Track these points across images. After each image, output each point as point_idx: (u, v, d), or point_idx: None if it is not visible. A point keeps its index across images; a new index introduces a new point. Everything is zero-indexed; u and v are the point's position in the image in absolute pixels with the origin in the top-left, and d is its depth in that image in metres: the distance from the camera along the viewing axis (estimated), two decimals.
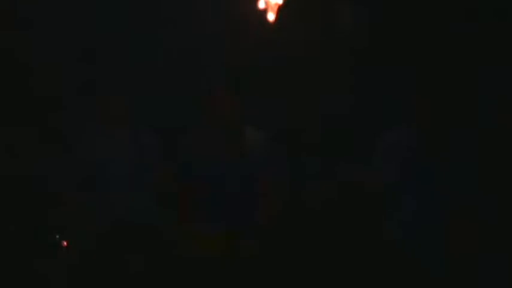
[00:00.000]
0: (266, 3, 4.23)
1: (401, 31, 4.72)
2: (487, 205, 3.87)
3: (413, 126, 3.96)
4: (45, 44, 4.76)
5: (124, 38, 4.81)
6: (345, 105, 5.03)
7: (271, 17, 4.22)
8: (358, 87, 4.99)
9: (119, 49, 4.79)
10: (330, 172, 4.78)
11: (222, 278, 3.93)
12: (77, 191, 4.15)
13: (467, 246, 3.82)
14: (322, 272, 4.40)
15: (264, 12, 4.22)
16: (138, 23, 4.84)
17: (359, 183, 4.47)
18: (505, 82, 4.54)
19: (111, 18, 4.76)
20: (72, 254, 4.17)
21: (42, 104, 4.53)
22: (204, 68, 4.78)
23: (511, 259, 3.89)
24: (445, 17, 4.61)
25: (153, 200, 4.25)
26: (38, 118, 4.49)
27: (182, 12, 4.86)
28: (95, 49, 4.79)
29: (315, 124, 5.05)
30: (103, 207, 4.17)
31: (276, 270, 4.11)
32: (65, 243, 4.29)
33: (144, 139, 4.26)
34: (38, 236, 4.43)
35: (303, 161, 4.80)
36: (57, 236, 4.32)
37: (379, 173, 3.95)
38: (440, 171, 3.88)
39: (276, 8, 4.21)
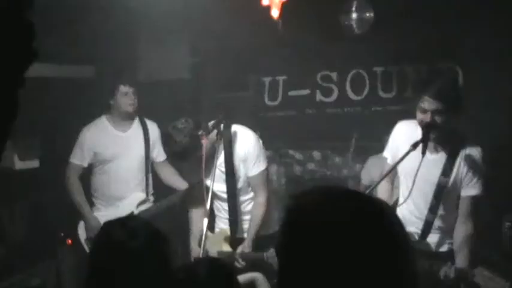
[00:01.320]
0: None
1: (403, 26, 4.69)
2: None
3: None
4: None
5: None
6: (347, 102, 5.03)
7: (275, 13, 4.19)
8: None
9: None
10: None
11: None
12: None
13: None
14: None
15: (268, 8, 4.20)
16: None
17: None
18: None
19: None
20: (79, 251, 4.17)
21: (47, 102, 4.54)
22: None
23: None
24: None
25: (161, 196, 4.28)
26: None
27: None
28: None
29: (317, 120, 5.05)
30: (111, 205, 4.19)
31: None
32: (70, 240, 4.29)
33: (152, 135, 4.28)
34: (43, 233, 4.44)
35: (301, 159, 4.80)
36: (62, 234, 4.32)
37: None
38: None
39: (280, 5, 4.18)
